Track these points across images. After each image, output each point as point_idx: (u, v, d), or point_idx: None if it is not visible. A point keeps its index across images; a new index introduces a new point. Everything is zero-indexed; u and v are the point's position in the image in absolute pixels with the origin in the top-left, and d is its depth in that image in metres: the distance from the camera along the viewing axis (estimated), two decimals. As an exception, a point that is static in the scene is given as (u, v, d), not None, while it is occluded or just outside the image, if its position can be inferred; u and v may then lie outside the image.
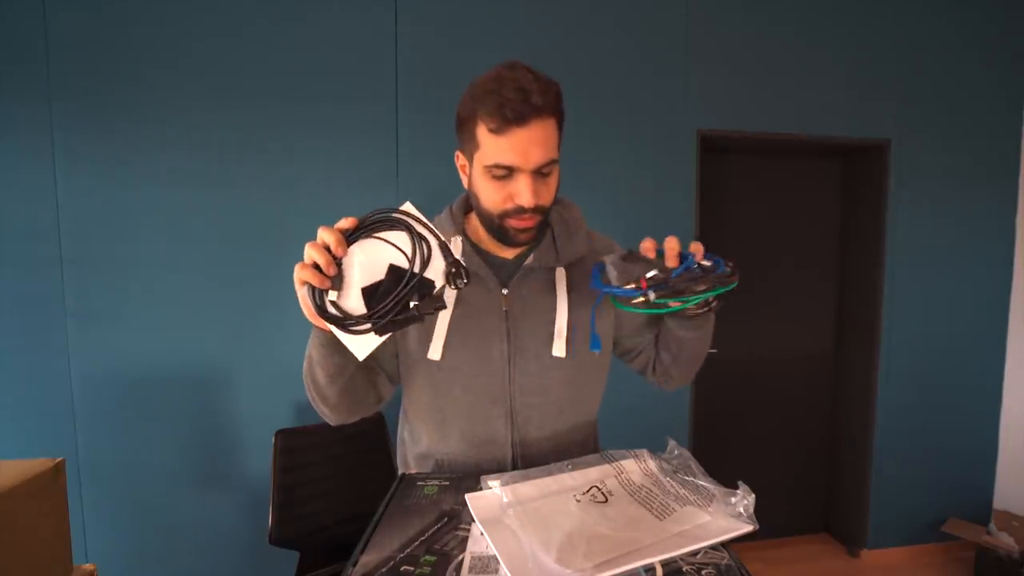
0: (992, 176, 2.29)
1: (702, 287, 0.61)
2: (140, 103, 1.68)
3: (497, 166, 0.68)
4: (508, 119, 0.65)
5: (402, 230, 0.58)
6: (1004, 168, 2.30)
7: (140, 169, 1.69)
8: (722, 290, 0.63)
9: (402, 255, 0.58)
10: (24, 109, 1.62)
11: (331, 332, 0.59)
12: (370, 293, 0.57)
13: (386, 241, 0.58)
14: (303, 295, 0.58)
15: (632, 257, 0.65)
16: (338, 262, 0.57)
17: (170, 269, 1.72)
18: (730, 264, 0.64)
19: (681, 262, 0.63)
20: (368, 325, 0.57)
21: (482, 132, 0.68)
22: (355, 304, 0.57)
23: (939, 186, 2.23)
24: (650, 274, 0.61)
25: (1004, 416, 2.38)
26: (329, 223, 0.58)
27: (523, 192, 0.69)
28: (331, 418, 0.77)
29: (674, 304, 0.62)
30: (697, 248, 0.65)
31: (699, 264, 0.63)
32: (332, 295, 0.57)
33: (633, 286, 0.61)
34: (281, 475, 1.43)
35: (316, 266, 0.56)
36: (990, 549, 2.12)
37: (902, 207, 2.20)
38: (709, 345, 0.82)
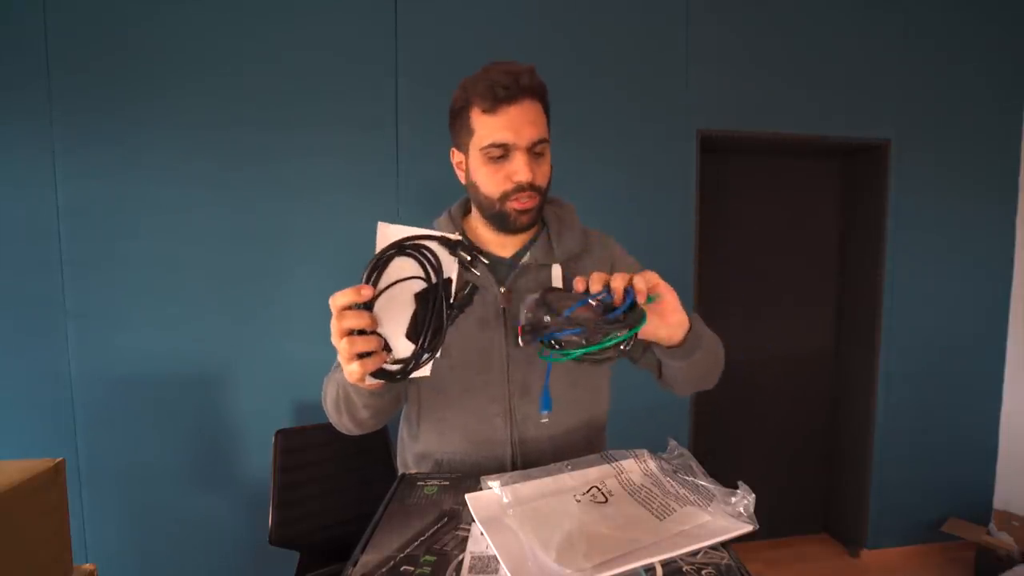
0: (992, 176, 2.29)
1: (598, 335, 0.57)
2: (140, 103, 1.68)
3: (493, 145, 0.71)
4: (500, 97, 0.69)
5: (402, 255, 0.55)
6: (1004, 168, 2.30)
7: (140, 169, 1.69)
8: (610, 341, 0.57)
9: (418, 279, 0.56)
10: (24, 109, 1.62)
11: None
12: (412, 329, 0.56)
13: (397, 283, 0.56)
14: (370, 382, 0.56)
15: (555, 295, 0.62)
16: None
17: (170, 269, 1.72)
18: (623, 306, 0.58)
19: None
20: (427, 355, 0.56)
21: (476, 115, 0.72)
22: (404, 349, 0.57)
23: (939, 186, 2.23)
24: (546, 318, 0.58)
25: (1004, 416, 2.38)
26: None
27: (520, 169, 0.71)
28: (356, 433, 0.77)
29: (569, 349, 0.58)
30: (617, 286, 0.60)
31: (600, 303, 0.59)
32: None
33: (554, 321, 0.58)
34: (281, 475, 1.42)
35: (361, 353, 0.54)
36: (990, 549, 2.12)
37: (902, 207, 2.20)
38: (711, 365, 0.77)
